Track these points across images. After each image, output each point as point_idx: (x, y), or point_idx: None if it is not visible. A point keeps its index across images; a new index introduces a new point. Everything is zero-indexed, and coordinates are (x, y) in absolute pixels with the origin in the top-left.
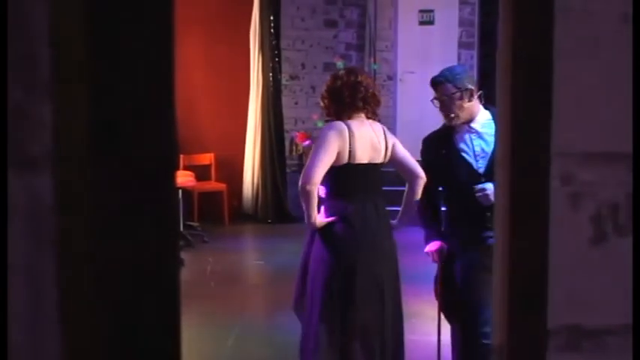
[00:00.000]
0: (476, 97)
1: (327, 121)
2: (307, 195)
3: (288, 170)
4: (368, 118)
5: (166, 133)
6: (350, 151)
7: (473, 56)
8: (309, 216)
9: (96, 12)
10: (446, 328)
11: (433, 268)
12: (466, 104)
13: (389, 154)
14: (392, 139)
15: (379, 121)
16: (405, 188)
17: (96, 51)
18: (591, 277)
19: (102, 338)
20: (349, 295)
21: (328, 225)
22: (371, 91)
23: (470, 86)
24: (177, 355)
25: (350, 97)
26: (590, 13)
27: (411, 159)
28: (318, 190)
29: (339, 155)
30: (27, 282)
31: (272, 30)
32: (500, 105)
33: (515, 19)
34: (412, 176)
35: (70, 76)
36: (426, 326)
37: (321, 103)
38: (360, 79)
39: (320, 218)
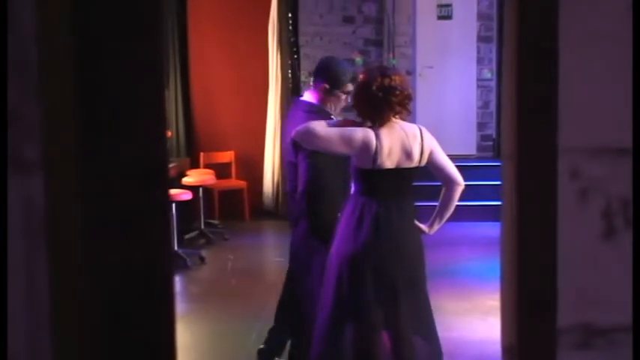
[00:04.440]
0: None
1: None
2: None
3: None
4: (402, 118)
5: (155, 135)
6: (374, 159)
7: (492, 50)
8: None
9: (82, 11)
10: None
11: (451, 264)
12: None
13: (424, 159)
14: (429, 144)
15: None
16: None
17: (83, 51)
18: (602, 273)
19: (92, 341)
20: (360, 294)
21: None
22: (406, 92)
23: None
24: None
25: (384, 102)
26: (597, 4)
27: (448, 165)
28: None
29: (361, 159)
30: (24, 284)
31: (290, 27)
32: (506, 98)
33: (520, 11)
34: (448, 182)
35: (57, 76)
36: (447, 321)
37: (350, 102)
38: (393, 82)
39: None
